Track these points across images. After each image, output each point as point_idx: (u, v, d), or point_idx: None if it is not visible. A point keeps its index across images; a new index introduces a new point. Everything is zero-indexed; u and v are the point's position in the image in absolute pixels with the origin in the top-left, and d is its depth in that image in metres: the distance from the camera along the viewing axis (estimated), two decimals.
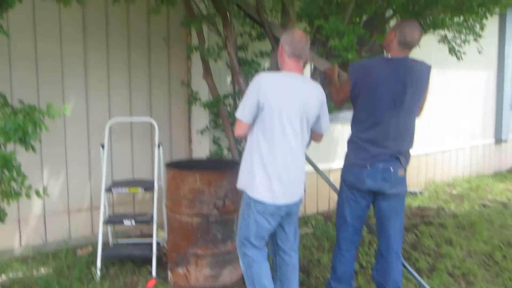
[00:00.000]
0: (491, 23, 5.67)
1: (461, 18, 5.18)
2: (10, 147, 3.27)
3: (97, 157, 4.85)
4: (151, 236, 4.51)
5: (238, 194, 3.63)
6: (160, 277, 4.25)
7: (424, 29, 4.90)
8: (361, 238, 3.89)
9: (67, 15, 4.56)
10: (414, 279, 3.92)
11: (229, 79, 5.36)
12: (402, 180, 3.47)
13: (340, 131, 6.35)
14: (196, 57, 5.08)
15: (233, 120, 4.59)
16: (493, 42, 9.04)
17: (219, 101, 4.71)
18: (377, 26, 4.89)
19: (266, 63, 5.36)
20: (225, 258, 4.06)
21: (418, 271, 4.38)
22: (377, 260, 3.68)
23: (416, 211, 6.59)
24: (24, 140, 3.12)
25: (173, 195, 4.22)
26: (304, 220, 5.95)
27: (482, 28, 5.36)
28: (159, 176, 4.59)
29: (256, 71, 4.79)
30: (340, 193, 3.67)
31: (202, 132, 5.34)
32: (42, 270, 4.35)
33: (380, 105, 3.36)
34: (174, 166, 4.41)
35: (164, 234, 4.85)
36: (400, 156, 3.41)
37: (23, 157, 3.40)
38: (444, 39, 5.50)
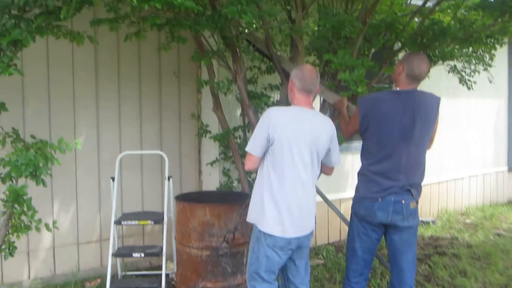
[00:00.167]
0: (501, 51, 5.68)
1: (470, 49, 5.20)
2: (21, 180, 3.28)
3: (107, 189, 4.86)
4: (160, 268, 4.48)
5: (248, 227, 3.61)
6: None
7: (433, 61, 4.93)
8: (372, 270, 3.84)
9: (80, 50, 4.63)
10: None
11: (238, 111, 5.40)
12: (414, 213, 3.44)
13: (351, 161, 6.35)
14: (206, 90, 5.13)
15: (243, 152, 4.61)
16: (503, 69, 9.04)
17: (229, 134, 4.74)
18: (386, 58, 4.92)
19: (275, 96, 5.39)
20: None
21: None
22: None
23: (429, 241, 6.52)
24: (35, 175, 3.15)
25: (183, 228, 4.22)
26: (315, 251, 5.90)
27: (491, 58, 5.39)
28: (168, 209, 4.59)
29: (266, 104, 4.82)
30: (350, 226, 3.64)
31: (212, 164, 5.35)
32: None
33: (389, 138, 3.36)
34: (183, 198, 4.42)
35: (173, 267, 4.83)
36: (412, 189, 3.38)
37: (33, 189, 3.41)
38: (453, 69, 5.52)
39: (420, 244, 6.18)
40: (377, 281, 4.84)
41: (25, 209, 3.26)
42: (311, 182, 3.20)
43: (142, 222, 4.52)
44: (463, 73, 5.52)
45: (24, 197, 3.23)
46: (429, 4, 4.85)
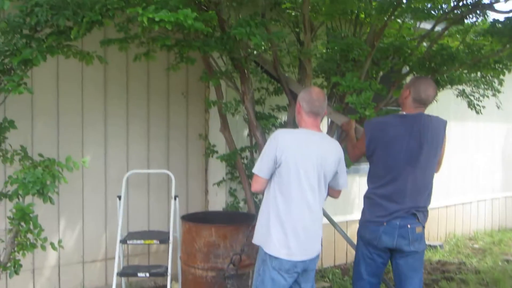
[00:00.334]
0: (509, 76, 5.68)
1: (479, 73, 5.21)
2: (28, 198, 3.29)
3: (114, 208, 4.86)
4: None
5: (254, 248, 3.59)
6: None
7: (441, 85, 4.94)
8: None
9: (90, 67, 4.67)
10: None
11: (246, 132, 5.41)
12: (421, 238, 3.41)
13: (359, 183, 6.32)
14: (214, 111, 5.15)
15: (249, 173, 4.60)
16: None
17: (236, 154, 4.74)
18: (394, 81, 4.93)
19: (283, 117, 5.40)
20: None
21: None
22: None
23: (437, 265, 6.45)
24: (42, 193, 3.16)
25: (188, 248, 4.21)
26: (321, 274, 5.85)
27: (501, 84, 5.38)
28: (174, 228, 4.58)
29: (273, 125, 4.83)
30: (356, 249, 3.62)
31: (218, 184, 5.35)
32: None
33: (396, 162, 3.36)
34: (189, 218, 4.41)
35: (178, 287, 4.79)
36: (417, 213, 3.37)
37: (40, 207, 3.42)
38: (462, 93, 5.52)
39: (427, 268, 6.12)
40: None
41: (31, 227, 3.26)
42: (318, 205, 3.18)
43: (147, 242, 4.51)
44: (472, 98, 5.52)
45: (31, 215, 3.23)
46: (437, 28, 4.87)
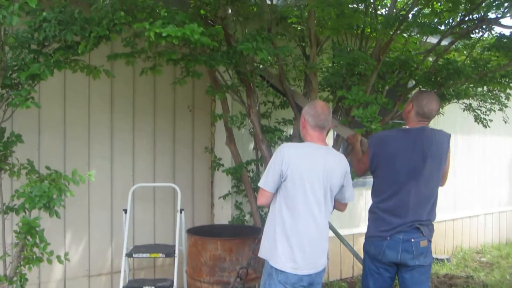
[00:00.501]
0: None
1: (485, 87, 5.21)
2: (34, 212, 3.30)
3: (119, 221, 4.87)
4: None
5: (260, 262, 3.59)
6: None
7: (448, 99, 4.94)
8: None
9: (97, 81, 4.70)
10: None
11: (252, 145, 5.42)
12: (426, 251, 3.40)
13: (365, 197, 6.30)
14: (220, 124, 5.17)
15: (255, 186, 4.61)
16: None
17: (241, 168, 4.75)
18: (400, 95, 4.93)
19: (289, 131, 5.41)
20: None
21: None
22: None
23: (444, 279, 6.40)
24: (48, 206, 3.17)
25: (194, 262, 4.20)
26: (327, 287, 5.81)
27: (508, 98, 5.38)
28: (180, 242, 4.58)
29: (279, 138, 4.84)
30: (363, 264, 3.62)
31: (224, 197, 5.35)
32: None
33: (399, 176, 3.36)
34: (195, 232, 4.41)
35: None
36: (421, 227, 3.36)
37: (46, 220, 3.43)
38: (469, 107, 5.52)
39: (434, 282, 6.07)
40: None
41: (37, 241, 3.27)
42: (324, 218, 3.18)
43: (153, 255, 4.51)
44: (479, 112, 5.51)
45: (37, 229, 3.24)
46: (444, 43, 4.88)
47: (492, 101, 5.42)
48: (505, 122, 6.29)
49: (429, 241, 3.42)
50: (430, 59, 5.10)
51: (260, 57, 3.72)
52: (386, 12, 4.81)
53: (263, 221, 4.43)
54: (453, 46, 4.98)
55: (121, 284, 4.35)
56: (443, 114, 5.63)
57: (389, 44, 4.48)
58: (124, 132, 5.07)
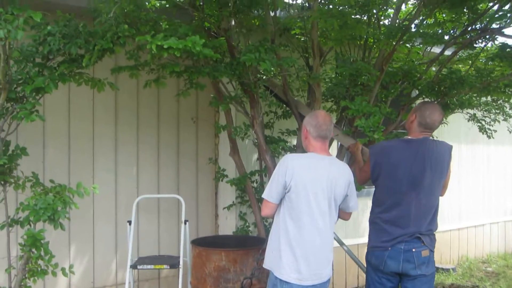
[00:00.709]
0: None
1: (489, 97, 5.21)
2: (39, 224, 3.31)
3: (124, 233, 4.87)
4: None
5: (264, 272, 3.58)
6: None
7: (451, 108, 4.94)
8: None
9: (101, 95, 4.73)
10: None
11: (255, 156, 5.43)
12: (428, 261, 3.39)
13: (370, 207, 6.26)
14: (223, 135, 5.18)
15: (259, 196, 4.61)
16: None
17: (245, 178, 4.75)
18: (403, 105, 4.93)
19: (293, 141, 5.41)
20: None
21: None
22: None
23: None
24: (53, 219, 3.18)
25: (198, 273, 4.20)
26: None
27: None
28: (184, 253, 4.57)
29: (283, 148, 4.85)
30: (366, 274, 3.63)
31: (228, 208, 5.35)
32: None
33: (400, 186, 3.37)
34: (199, 243, 4.41)
35: None
36: (422, 237, 3.36)
37: (51, 232, 3.44)
38: (473, 117, 5.51)
39: None
40: None
41: (42, 253, 3.28)
42: (329, 229, 3.17)
43: (158, 267, 4.50)
44: (483, 122, 5.51)
45: (42, 242, 3.25)
46: (447, 52, 4.89)
47: (496, 111, 5.42)
48: (510, 132, 6.29)
49: (431, 251, 3.41)
50: (434, 68, 5.11)
51: (263, 67, 3.74)
52: (389, 23, 4.83)
53: (267, 231, 4.42)
54: (457, 56, 4.98)
55: None
56: (447, 124, 5.62)
57: (392, 54, 4.49)
58: (128, 145, 5.09)
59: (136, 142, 5.14)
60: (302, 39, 5.06)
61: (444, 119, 5.37)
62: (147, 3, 3.98)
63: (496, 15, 4.18)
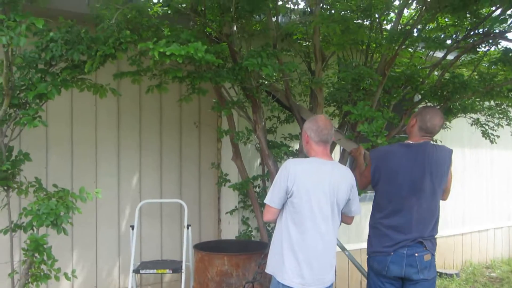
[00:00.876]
0: None
1: (492, 102, 5.20)
2: (42, 229, 3.32)
3: (127, 237, 4.88)
4: None
5: (267, 277, 3.57)
6: None
7: (454, 113, 4.93)
8: None
9: (103, 100, 4.75)
10: None
11: (258, 161, 5.43)
12: (430, 265, 3.39)
13: None
14: (226, 140, 5.19)
15: (262, 201, 4.60)
16: None
17: (248, 183, 4.76)
18: (406, 109, 4.93)
19: (295, 146, 5.41)
20: None
21: None
22: None
23: None
24: (56, 224, 3.19)
25: (201, 277, 4.20)
26: None
27: None
28: (187, 257, 4.58)
29: (285, 153, 4.85)
30: (368, 279, 3.62)
31: (231, 212, 5.35)
32: None
33: (400, 191, 3.37)
34: (202, 247, 4.41)
35: None
36: (424, 241, 3.36)
37: (54, 237, 3.45)
38: (476, 122, 5.50)
39: None
40: None
41: (45, 258, 3.29)
42: (331, 233, 3.17)
43: (160, 271, 4.50)
44: (486, 127, 5.50)
45: (45, 246, 3.26)
46: (449, 57, 4.88)
47: (500, 115, 5.40)
48: None
49: (433, 255, 3.41)
50: (436, 73, 5.11)
51: (265, 72, 3.74)
52: (391, 27, 4.84)
53: (270, 236, 4.42)
54: (459, 60, 4.98)
55: None
56: (450, 128, 5.62)
57: (394, 59, 4.50)
58: (131, 150, 5.11)
59: (139, 147, 5.15)
60: (304, 44, 5.06)
61: (446, 123, 5.37)
62: (149, 10, 3.99)
63: (499, 19, 4.17)
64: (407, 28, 4.58)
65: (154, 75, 4.06)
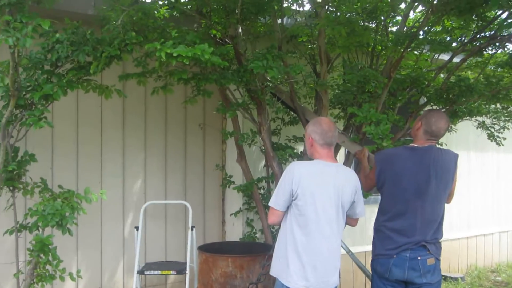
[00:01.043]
0: None
1: (498, 105, 5.18)
2: (47, 230, 3.34)
3: (131, 238, 4.89)
4: None
5: (271, 278, 3.57)
6: None
7: (460, 116, 4.92)
8: None
9: (109, 101, 4.77)
10: None
11: (262, 162, 5.43)
12: (433, 269, 3.37)
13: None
14: (230, 141, 5.20)
15: (266, 203, 4.61)
16: None
17: (252, 185, 4.76)
18: (411, 112, 4.92)
19: (300, 148, 5.42)
20: None
21: None
22: None
23: None
24: (61, 224, 3.20)
25: (205, 279, 4.20)
26: None
27: None
28: (191, 259, 4.58)
29: (290, 155, 4.85)
30: (372, 282, 3.61)
31: (235, 214, 5.36)
32: None
33: (405, 195, 3.36)
34: (206, 249, 4.41)
35: None
36: (427, 244, 3.34)
37: (59, 238, 3.46)
38: (482, 125, 5.49)
39: None
40: None
41: (50, 258, 3.31)
42: (336, 236, 3.16)
43: (164, 272, 4.51)
44: (492, 129, 5.48)
45: (50, 247, 3.27)
46: (455, 60, 4.87)
47: (506, 118, 5.38)
48: None
49: (437, 259, 3.39)
50: (442, 76, 5.09)
51: (270, 75, 3.74)
52: (397, 30, 4.83)
53: (274, 238, 4.42)
54: (465, 63, 4.96)
55: None
56: (455, 131, 5.60)
57: (400, 61, 4.49)
58: (136, 150, 5.12)
59: (144, 148, 5.16)
60: (309, 46, 5.06)
61: (452, 126, 5.35)
62: (156, 12, 4.00)
63: (506, 23, 4.15)
64: (413, 30, 4.57)
65: (159, 76, 4.07)
